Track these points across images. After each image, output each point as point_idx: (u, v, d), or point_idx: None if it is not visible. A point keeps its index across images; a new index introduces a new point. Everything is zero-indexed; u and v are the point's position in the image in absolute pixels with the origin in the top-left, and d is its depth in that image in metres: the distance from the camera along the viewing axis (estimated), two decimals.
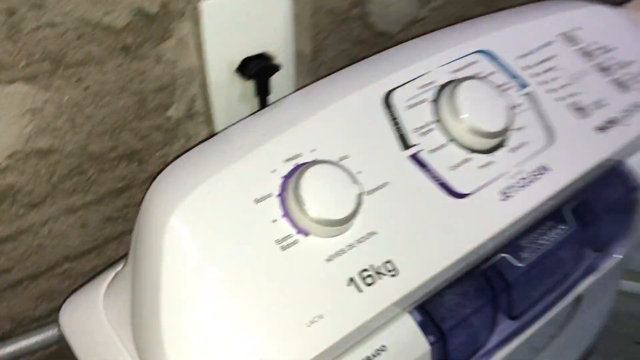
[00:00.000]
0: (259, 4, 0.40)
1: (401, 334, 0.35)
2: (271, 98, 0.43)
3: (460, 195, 0.36)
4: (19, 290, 0.42)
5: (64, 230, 0.41)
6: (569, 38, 0.45)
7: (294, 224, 0.33)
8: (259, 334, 0.30)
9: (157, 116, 0.41)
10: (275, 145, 0.34)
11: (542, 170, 0.39)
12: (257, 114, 0.38)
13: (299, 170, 0.33)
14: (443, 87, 0.39)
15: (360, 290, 0.32)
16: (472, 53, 0.41)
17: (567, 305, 0.44)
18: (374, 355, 0.34)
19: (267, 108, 0.38)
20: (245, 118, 0.38)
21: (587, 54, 0.45)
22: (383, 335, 0.34)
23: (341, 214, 0.32)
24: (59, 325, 0.35)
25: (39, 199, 0.38)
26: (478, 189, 0.37)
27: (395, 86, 0.38)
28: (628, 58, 0.46)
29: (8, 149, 0.35)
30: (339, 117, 0.36)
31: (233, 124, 0.38)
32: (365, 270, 0.33)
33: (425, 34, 0.44)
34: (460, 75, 0.40)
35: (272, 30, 0.41)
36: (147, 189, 0.34)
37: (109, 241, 0.44)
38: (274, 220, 0.32)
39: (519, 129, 0.40)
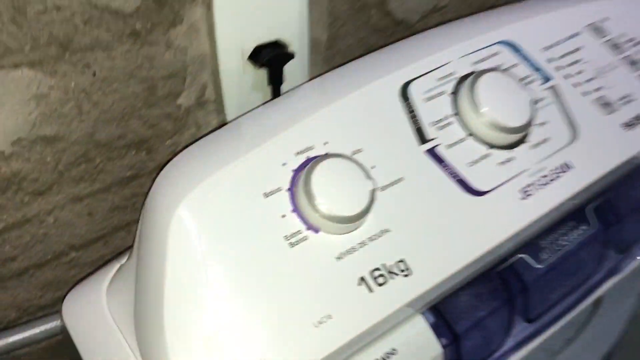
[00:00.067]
0: None
1: (413, 336, 0.34)
2: (284, 87, 0.42)
3: (479, 193, 0.35)
4: (24, 279, 0.41)
5: (70, 219, 0.40)
6: (596, 29, 0.43)
7: (303, 219, 0.31)
8: (265, 333, 0.29)
9: (167, 104, 0.40)
10: (286, 138, 0.33)
11: (565, 167, 0.38)
12: (268, 104, 0.37)
13: (310, 163, 0.32)
14: (463, 79, 0.37)
15: (371, 290, 0.31)
16: (495, 44, 0.40)
17: (586, 307, 0.42)
18: (384, 359, 0.33)
19: (279, 98, 0.37)
20: (256, 108, 0.37)
21: (615, 46, 0.43)
22: (394, 337, 0.33)
23: (353, 211, 0.31)
24: (61, 317, 0.35)
25: (44, 187, 0.38)
26: (497, 187, 0.35)
27: (413, 77, 0.37)
28: None
29: (13, 135, 0.34)
30: (354, 109, 0.35)
31: (244, 114, 0.37)
32: (377, 269, 0.32)
33: (445, 23, 0.42)
34: (481, 67, 0.38)
35: (287, 17, 0.40)
36: (156, 178, 0.33)
37: (116, 230, 0.44)
38: (283, 216, 0.31)
39: (541, 124, 0.38)
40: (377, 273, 0.31)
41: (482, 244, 0.34)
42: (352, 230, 0.32)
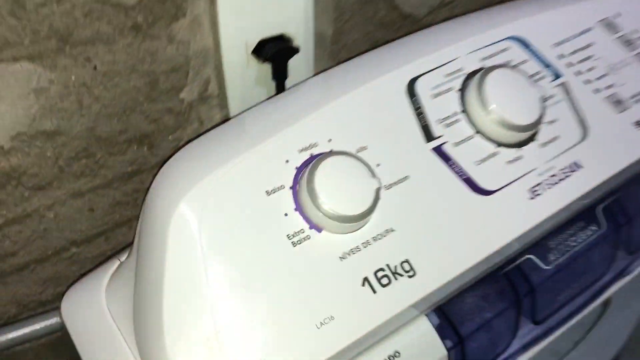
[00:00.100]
0: None
1: (417, 338, 0.33)
2: (289, 82, 0.41)
3: (486, 192, 0.34)
4: (24, 274, 0.41)
5: (71, 214, 0.40)
6: (608, 25, 0.42)
7: (306, 218, 0.31)
8: (265, 334, 0.28)
9: (169, 99, 0.39)
10: (289, 134, 0.33)
11: (574, 167, 0.37)
12: (272, 99, 0.36)
13: (313, 161, 0.31)
14: (471, 75, 0.37)
15: (374, 291, 0.30)
16: (504, 39, 0.39)
17: (594, 309, 0.42)
18: None
19: (283, 93, 0.36)
20: (260, 103, 0.36)
21: (627, 42, 0.42)
22: (397, 340, 0.33)
23: (357, 210, 0.30)
24: (60, 315, 0.34)
25: (44, 182, 0.37)
26: (505, 186, 0.35)
27: (420, 73, 0.36)
28: None
29: (12, 129, 0.34)
30: (359, 105, 0.34)
31: (248, 109, 0.36)
32: (380, 269, 0.31)
33: (453, 17, 0.42)
34: (490, 63, 0.38)
35: (291, 11, 0.39)
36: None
37: (118, 226, 0.43)
38: (286, 214, 0.31)
39: (550, 122, 0.38)
40: (381, 274, 0.31)
41: (488, 245, 0.33)
42: (356, 230, 0.31)
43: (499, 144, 0.36)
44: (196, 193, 0.30)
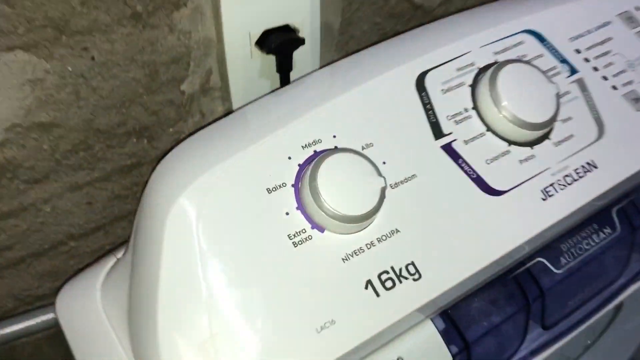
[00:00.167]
0: None
1: (421, 343, 0.32)
2: (293, 74, 0.40)
3: (496, 192, 0.33)
4: (21, 268, 0.40)
5: (68, 208, 0.39)
6: (628, 19, 0.40)
7: (308, 218, 0.30)
8: (262, 338, 0.27)
9: (170, 90, 0.38)
10: (292, 130, 0.31)
11: (589, 167, 0.36)
12: (275, 92, 0.35)
13: (317, 158, 0.30)
14: (483, 70, 0.35)
15: (378, 294, 0.29)
16: (519, 33, 0.37)
17: (606, 313, 0.40)
18: None
19: (287, 87, 0.35)
20: (263, 96, 0.35)
21: None
22: (400, 345, 0.32)
23: (361, 210, 0.29)
24: (55, 312, 0.33)
25: (41, 175, 0.36)
26: (516, 186, 0.34)
27: (430, 67, 0.35)
28: None
29: (7, 121, 0.33)
30: (366, 100, 0.33)
31: (250, 102, 0.35)
32: (385, 272, 0.30)
33: (467, 9, 0.40)
34: (503, 57, 0.36)
35: (297, 0, 0.38)
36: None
37: (117, 220, 0.42)
38: (287, 213, 0.30)
39: (565, 120, 0.36)
40: (385, 276, 0.30)
41: (498, 248, 0.32)
42: (360, 230, 0.30)
43: (511, 142, 0.34)
44: (194, 190, 0.29)
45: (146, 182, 0.32)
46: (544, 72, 0.35)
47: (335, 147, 0.31)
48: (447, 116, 0.34)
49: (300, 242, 0.29)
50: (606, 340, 0.44)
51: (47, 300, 0.43)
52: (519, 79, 0.34)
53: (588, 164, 0.36)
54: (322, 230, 0.30)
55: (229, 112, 0.41)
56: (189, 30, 0.36)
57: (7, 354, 0.44)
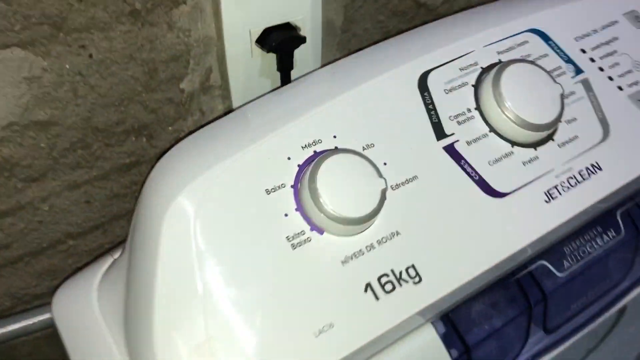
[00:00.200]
0: None
1: (420, 347, 0.32)
2: (295, 72, 0.39)
3: (499, 194, 0.33)
4: (19, 267, 0.40)
5: (66, 207, 0.39)
6: (635, 18, 0.40)
7: (307, 219, 0.29)
8: (259, 341, 0.27)
9: (169, 88, 0.37)
10: (292, 130, 0.31)
11: (593, 169, 0.35)
12: (275, 92, 0.34)
13: (316, 159, 0.29)
14: (487, 69, 0.35)
15: (377, 297, 0.29)
16: (523, 32, 0.37)
17: (609, 316, 0.40)
18: None
19: (287, 86, 0.35)
20: (263, 95, 0.34)
21: None
22: (400, 349, 0.31)
23: (361, 212, 0.29)
24: (51, 313, 0.33)
25: (38, 173, 0.36)
26: (519, 188, 0.33)
27: (432, 66, 0.34)
28: None
29: (3, 119, 0.32)
30: (367, 100, 0.32)
31: (250, 101, 0.34)
32: (384, 275, 0.29)
33: (471, 7, 0.39)
34: (507, 56, 0.36)
35: None
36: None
37: (116, 219, 0.42)
38: (286, 214, 0.29)
39: (569, 121, 0.36)
40: (384, 279, 0.29)
41: (500, 251, 0.32)
42: (360, 232, 0.30)
43: (514, 144, 0.34)
44: (191, 190, 0.29)
45: (144, 181, 0.31)
46: (548, 72, 0.35)
47: (336, 148, 0.31)
48: (450, 116, 0.33)
49: (298, 244, 0.29)
50: (609, 344, 0.43)
51: (45, 299, 0.43)
52: (523, 79, 0.34)
53: (592, 165, 0.35)
54: (321, 232, 0.29)
55: (229, 110, 0.41)
56: (188, 28, 0.36)
57: (6, 353, 0.44)
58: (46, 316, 0.40)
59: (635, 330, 0.43)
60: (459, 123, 0.33)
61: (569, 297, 0.36)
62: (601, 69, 0.38)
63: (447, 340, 0.32)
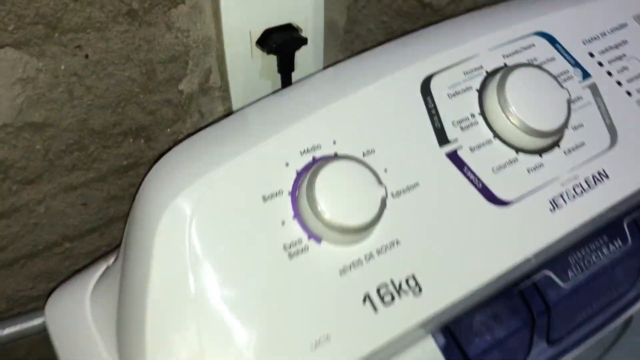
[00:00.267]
0: None
1: (420, 359, 0.31)
2: (296, 74, 0.39)
3: (503, 203, 0.32)
4: (14, 269, 0.39)
5: (62, 209, 0.38)
6: None
7: (305, 227, 0.29)
8: (254, 354, 0.26)
9: (167, 90, 0.37)
10: (291, 134, 0.30)
11: (600, 177, 0.34)
12: (274, 95, 0.33)
13: (315, 165, 0.29)
14: (492, 74, 0.34)
15: (376, 309, 0.28)
16: (530, 35, 0.36)
17: (615, 327, 0.39)
18: None
19: (286, 89, 0.34)
20: (261, 99, 0.33)
21: None
22: None
23: (360, 220, 0.28)
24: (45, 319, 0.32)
25: (34, 176, 0.35)
26: (524, 196, 0.32)
27: (436, 70, 0.33)
28: None
29: None
30: (368, 104, 0.32)
31: (249, 104, 0.34)
32: (383, 285, 0.29)
33: (477, 7, 0.39)
34: (513, 60, 0.35)
35: None
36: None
37: (113, 221, 0.41)
38: (283, 222, 0.28)
39: (576, 127, 0.35)
40: (383, 290, 0.28)
41: (503, 261, 0.31)
42: (359, 241, 0.29)
43: (519, 150, 0.33)
44: (186, 197, 0.28)
45: (138, 185, 0.31)
46: (555, 77, 0.34)
47: (335, 154, 0.30)
48: (453, 122, 0.33)
49: (295, 254, 0.28)
50: (614, 355, 0.42)
51: (41, 302, 0.42)
52: (529, 84, 0.33)
53: (599, 173, 0.34)
54: (319, 241, 0.28)
55: (228, 112, 0.40)
56: (187, 28, 0.35)
57: (2, 354, 0.43)
58: (42, 320, 0.39)
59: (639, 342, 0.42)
60: (462, 129, 0.33)
61: (574, 308, 0.35)
62: (609, 74, 0.37)
63: (448, 352, 0.31)
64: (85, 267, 0.34)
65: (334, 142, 0.30)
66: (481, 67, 0.34)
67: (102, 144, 0.36)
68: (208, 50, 0.37)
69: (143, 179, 0.31)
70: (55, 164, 0.35)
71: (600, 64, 0.37)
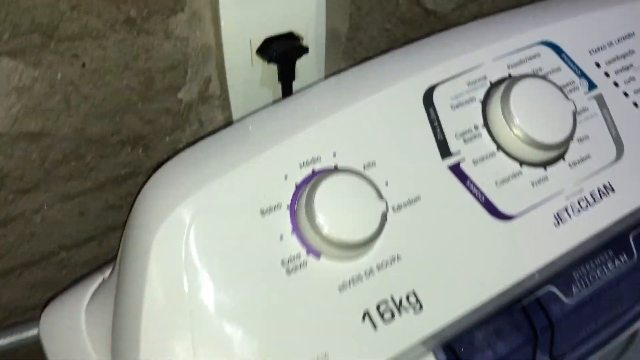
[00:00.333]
0: None
1: None
2: (297, 83, 0.38)
3: (506, 217, 0.31)
4: (10, 279, 0.39)
5: (59, 218, 0.38)
6: None
7: (304, 242, 0.28)
8: None
9: (166, 98, 0.36)
10: (290, 146, 0.29)
11: (606, 190, 0.33)
12: (273, 106, 0.33)
13: (314, 179, 0.28)
14: (496, 84, 0.33)
15: (375, 326, 0.28)
16: (535, 44, 0.35)
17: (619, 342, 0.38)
18: None
19: (286, 100, 0.33)
20: (261, 109, 0.33)
21: None
22: None
23: (360, 236, 0.27)
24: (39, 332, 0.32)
25: (30, 185, 0.35)
26: (527, 210, 0.32)
27: (439, 80, 0.33)
28: None
29: None
30: (369, 115, 0.31)
31: (249, 114, 0.33)
32: (384, 302, 0.28)
33: (482, 15, 0.38)
34: (518, 70, 0.34)
35: (301, 6, 0.36)
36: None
37: (111, 230, 0.41)
38: (281, 237, 0.28)
39: (581, 139, 0.34)
40: (383, 307, 0.28)
41: (506, 277, 0.30)
42: (359, 257, 0.28)
43: (523, 163, 0.32)
44: (182, 211, 0.27)
45: (136, 195, 0.30)
46: (560, 88, 0.33)
47: (335, 166, 0.29)
48: (456, 134, 0.32)
49: (294, 269, 0.27)
50: None
51: (38, 311, 0.42)
52: (534, 96, 0.32)
53: (605, 186, 0.34)
54: (318, 256, 0.28)
55: (228, 121, 0.39)
56: (186, 36, 0.34)
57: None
58: (34, 332, 0.38)
59: None
60: (465, 141, 0.32)
61: (577, 324, 0.35)
62: (616, 84, 0.36)
63: None
64: (80, 279, 0.34)
65: (334, 154, 0.30)
66: (485, 77, 0.34)
67: (99, 153, 0.36)
68: (208, 59, 0.36)
69: (141, 189, 0.30)
70: (52, 174, 0.35)
71: (607, 74, 0.36)
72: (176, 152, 0.32)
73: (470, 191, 0.31)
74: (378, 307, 0.28)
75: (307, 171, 0.29)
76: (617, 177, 0.34)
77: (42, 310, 0.36)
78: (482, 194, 0.31)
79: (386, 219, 0.28)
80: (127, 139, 0.36)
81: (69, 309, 0.32)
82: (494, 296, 0.30)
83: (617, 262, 0.35)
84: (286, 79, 0.37)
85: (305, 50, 0.36)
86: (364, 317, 0.28)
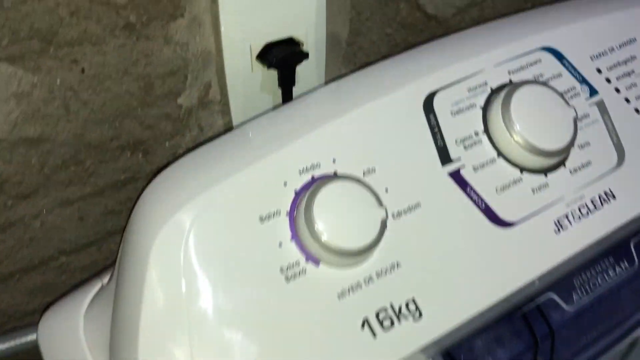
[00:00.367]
0: None
1: None
2: (297, 88, 0.38)
3: (506, 224, 0.31)
4: (9, 284, 0.39)
5: (59, 223, 0.37)
6: None
7: (303, 249, 0.28)
8: None
9: (166, 104, 0.36)
10: (290, 152, 0.29)
11: (607, 197, 0.33)
12: (273, 112, 0.33)
13: (313, 185, 0.28)
14: (496, 91, 0.33)
15: (374, 334, 0.27)
16: (536, 50, 0.35)
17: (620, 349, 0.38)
18: None
19: (285, 105, 0.33)
20: (260, 115, 0.33)
21: None
22: None
23: (359, 243, 0.27)
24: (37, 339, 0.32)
25: (29, 190, 0.35)
26: (528, 217, 0.32)
27: (439, 87, 0.33)
28: None
29: None
30: (369, 122, 0.31)
31: (248, 120, 0.33)
32: (383, 310, 0.28)
33: (483, 20, 0.38)
34: (519, 76, 0.34)
35: (301, 11, 0.36)
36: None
37: (110, 235, 0.41)
38: (280, 244, 0.28)
39: (582, 145, 0.34)
40: (383, 315, 0.28)
41: (507, 284, 0.30)
42: (358, 264, 0.28)
43: (524, 170, 0.32)
44: (181, 217, 0.27)
45: (135, 200, 0.30)
46: (561, 94, 0.33)
47: (335, 173, 0.29)
48: (456, 140, 0.32)
49: (293, 277, 0.27)
50: None
51: (37, 316, 0.42)
52: (534, 102, 0.32)
53: (606, 193, 0.33)
54: (317, 263, 0.28)
55: (228, 126, 0.39)
56: (186, 41, 0.34)
57: None
58: (33, 337, 0.38)
59: None
60: (465, 147, 0.32)
61: (578, 331, 0.34)
62: (617, 90, 0.36)
63: None
64: (79, 285, 0.34)
65: (334, 161, 0.30)
66: (486, 83, 0.33)
67: (99, 158, 0.36)
68: (207, 64, 0.36)
69: (140, 194, 0.30)
70: (51, 179, 0.35)
71: (608, 80, 0.36)
72: (176, 157, 0.32)
73: (471, 198, 0.31)
74: (377, 315, 0.28)
75: (306, 177, 0.29)
76: (618, 184, 0.34)
77: (41, 315, 0.36)
78: (482, 200, 0.31)
79: (386, 226, 0.28)
80: (127, 144, 0.36)
81: (67, 315, 0.32)
82: (494, 303, 0.30)
83: (618, 269, 0.35)
84: (286, 84, 0.37)
85: (305, 55, 0.36)
86: (363, 325, 0.27)
